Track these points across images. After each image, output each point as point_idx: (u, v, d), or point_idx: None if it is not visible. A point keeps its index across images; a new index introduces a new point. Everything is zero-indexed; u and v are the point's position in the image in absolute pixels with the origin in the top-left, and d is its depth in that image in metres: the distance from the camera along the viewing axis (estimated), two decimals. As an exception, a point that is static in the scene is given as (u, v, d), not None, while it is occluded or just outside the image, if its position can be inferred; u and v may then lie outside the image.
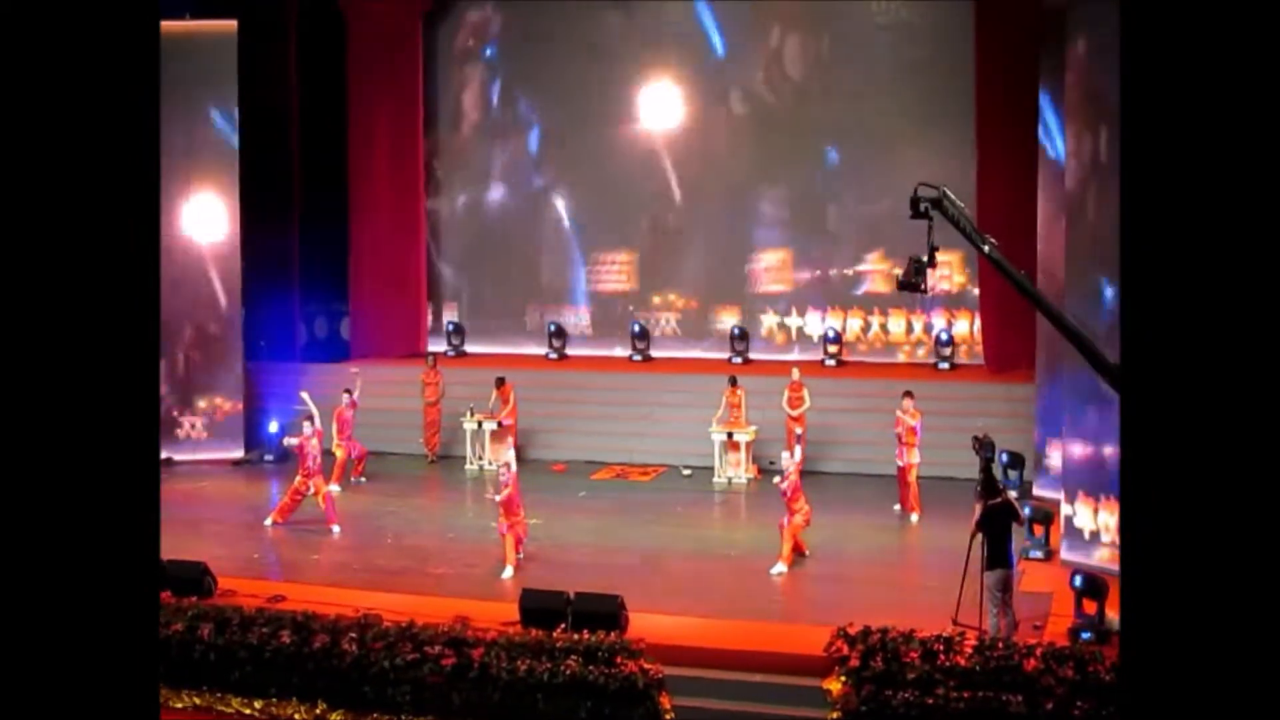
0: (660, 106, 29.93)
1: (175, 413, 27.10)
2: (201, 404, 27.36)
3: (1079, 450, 18.67)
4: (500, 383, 25.97)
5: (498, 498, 19.37)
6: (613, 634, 15.51)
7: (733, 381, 25.17)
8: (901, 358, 28.51)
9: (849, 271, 29.02)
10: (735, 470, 24.81)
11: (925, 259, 14.57)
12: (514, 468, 20.00)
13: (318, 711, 15.87)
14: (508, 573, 18.92)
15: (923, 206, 14.27)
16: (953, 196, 14.31)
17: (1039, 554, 18.96)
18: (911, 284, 14.69)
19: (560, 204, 30.80)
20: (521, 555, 19.37)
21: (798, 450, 20.51)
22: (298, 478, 21.85)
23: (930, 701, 14.28)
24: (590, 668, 15.07)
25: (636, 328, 29.73)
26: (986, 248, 14.42)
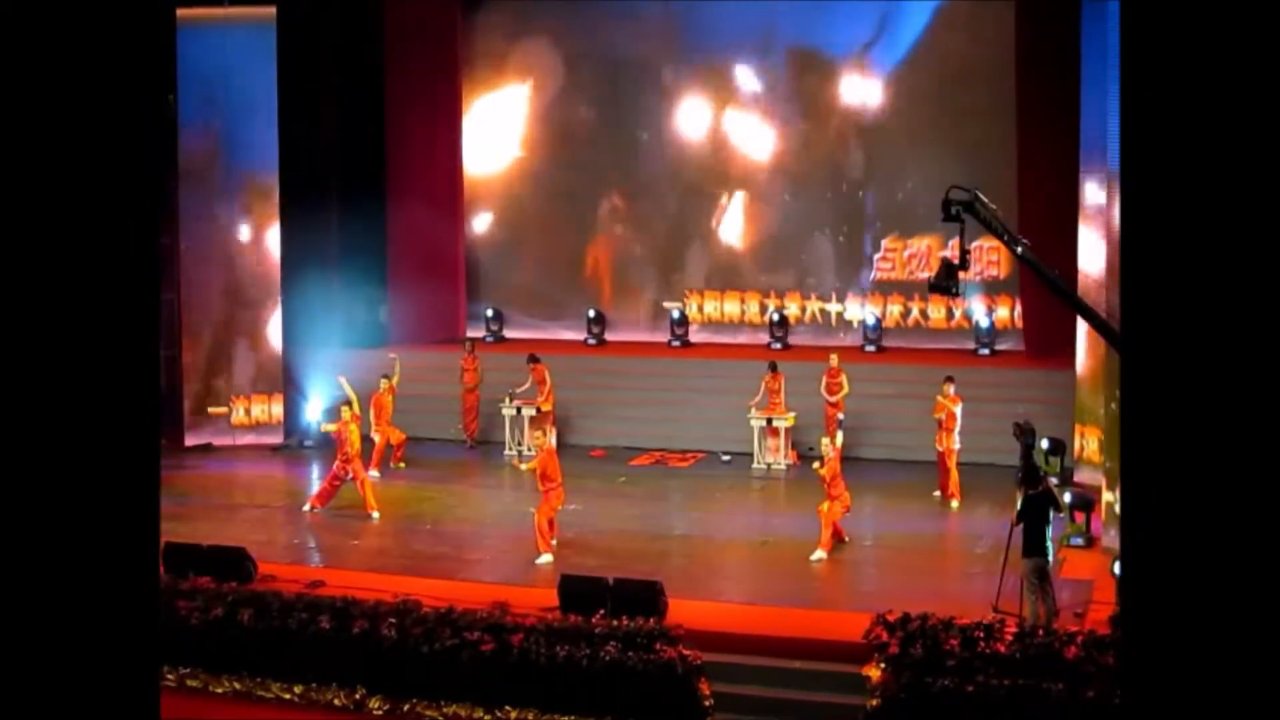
0: (700, 95, 29.86)
1: (213, 399, 27.20)
2: (240, 389, 27.44)
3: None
4: (533, 360, 25.92)
5: (523, 466, 19.44)
6: (652, 620, 15.50)
7: (773, 367, 25.11)
8: (941, 344, 28.37)
9: (890, 257, 28.89)
10: (774, 456, 24.76)
11: (957, 261, 14.50)
12: (550, 441, 20.10)
13: (357, 696, 15.91)
14: (545, 559, 18.86)
15: (954, 209, 14.17)
16: (985, 199, 14.21)
17: (1080, 541, 18.85)
18: (942, 286, 14.61)
19: (603, 191, 30.71)
20: (555, 540, 19.24)
21: (838, 436, 20.46)
22: (336, 463, 21.90)
23: (970, 689, 14.22)
24: (629, 653, 15.06)
25: (675, 314, 29.68)
26: (1019, 249, 14.35)
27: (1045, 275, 14.40)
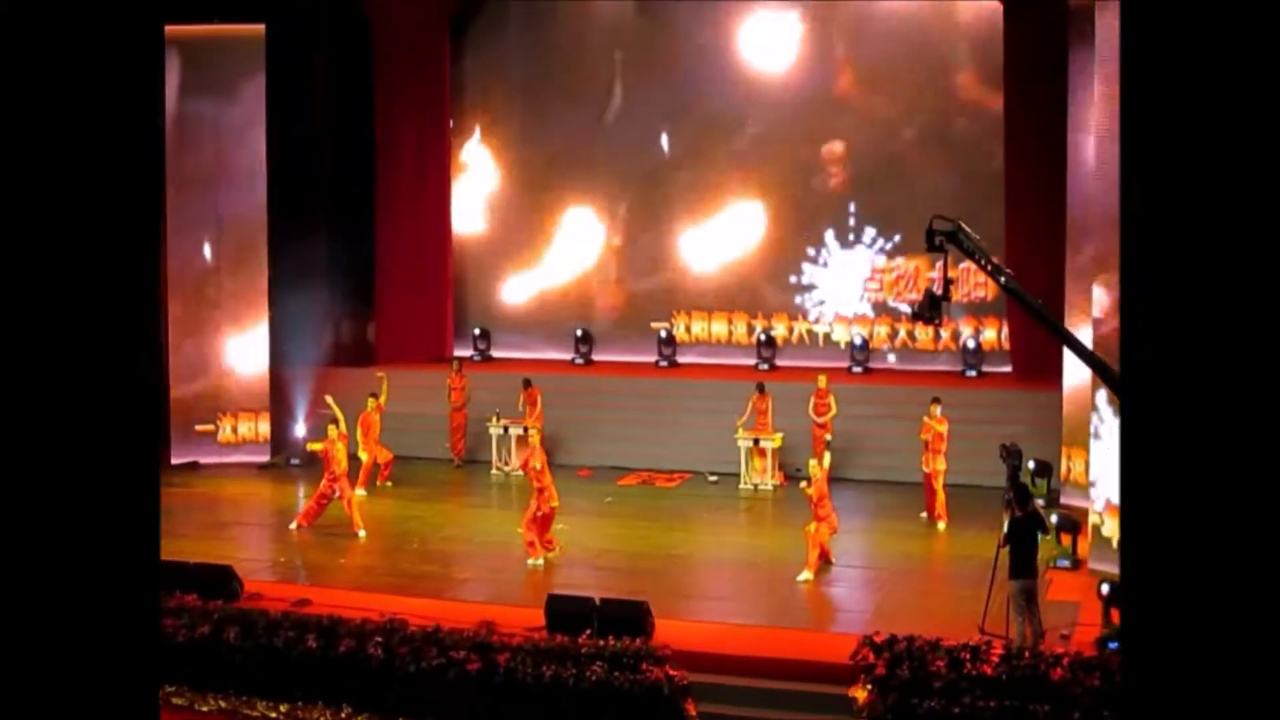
0: (682, 113, 29.95)
1: (200, 417, 27.17)
2: (228, 408, 27.43)
3: (1106, 459, 18.59)
4: (527, 384, 26.03)
5: (537, 464, 19.94)
6: (638, 640, 15.51)
7: (760, 388, 25.15)
8: (928, 365, 28.40)
9: (878, 279, 28.95)
10: (761, 477, 24.77)
11: (940, 291, 14.53)
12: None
13: (343, 715, 15.91)
14: (546, 560, 19.64)
15: (938, 239, 14.21)
16: (968, 229, 14.26)
17: (1066, 563, 18.89)
18: (925, 316, 14.67)
19: (591, 211, 30.72)
20: (554, 551, 19.56)
21: (826, 457, 20.49)
22: (323, 482, 21.87)
23: (956, 710, 14.24)
24: (616, 674, 15.07)
25: (663, 334, 29.72)
26: (1003, 279, 14.42)
27: (1029, 305, 14.45)
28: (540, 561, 19.60)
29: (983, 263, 14.42)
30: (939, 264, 14.96)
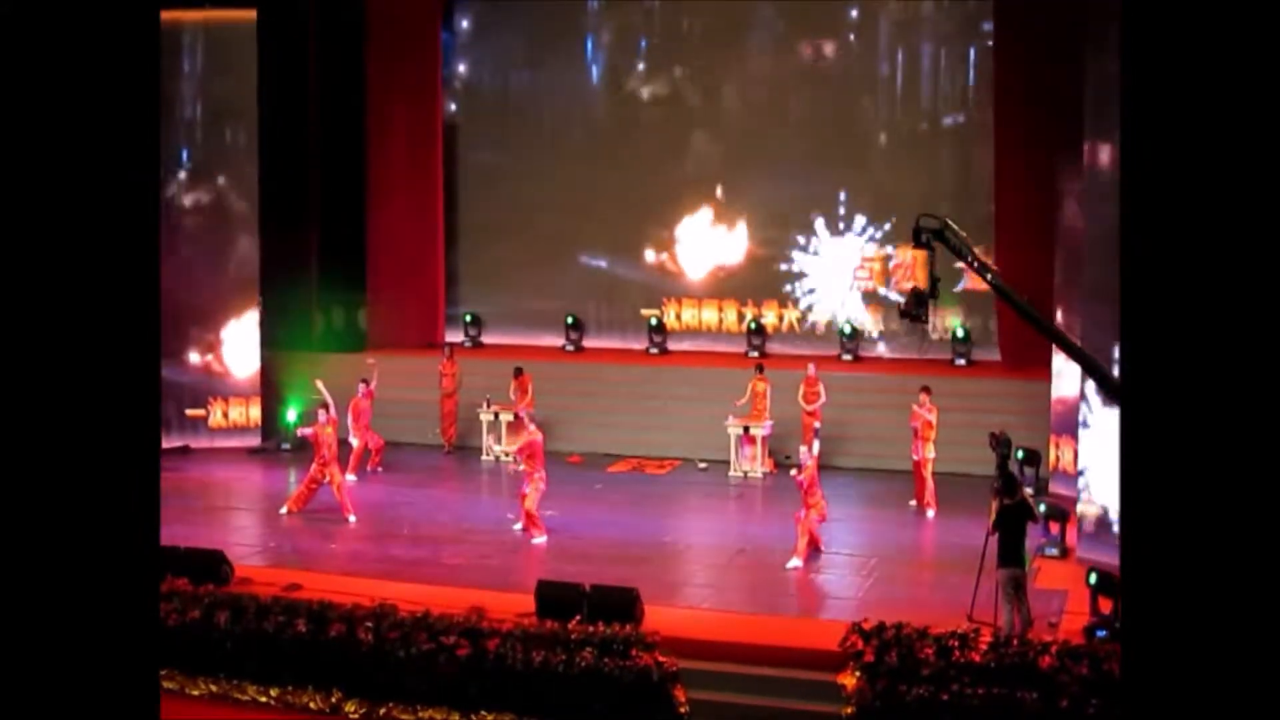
0: (682, 106, 29.97)
1: (191, 401, 27.14)
2: (218, 392, 27.41)
3: (1094, 448, 18.64)
4: (518, 373, 26.03)
5: (525, 437, 20.54)
6: (628, 626, 15.55)
7: (759, 369, 25.19)
8: (918, 353, 28.40)
9: (868, 267, 28.97)
10: (751, 464, 24.80)
11: (927, 290, 14.54)
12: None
13: (333, 700, 15.92)
14: (518, 527, 20.38)
15: (924, 237, 14.23)
16: (955, 227, 14.28)
17: (1054, 551, 18.95)
18: (913, 315, 14.70)
19: (582, 197, 30.69)
20: (543, 536, 20.08)
21: (815, 445, 20.53)
22: (314, 467, 21.89)
23: (945, 697, 14.29)
24: (605, 660, 15.11)
25: (653, 321, 29.74)
26: (989, 276, 14.45)
27: (1015, 302, 14.47)
28: (520, 526, 20.42)
29: (969, 260, 14.46)
30: (926, 262, 14.96)
